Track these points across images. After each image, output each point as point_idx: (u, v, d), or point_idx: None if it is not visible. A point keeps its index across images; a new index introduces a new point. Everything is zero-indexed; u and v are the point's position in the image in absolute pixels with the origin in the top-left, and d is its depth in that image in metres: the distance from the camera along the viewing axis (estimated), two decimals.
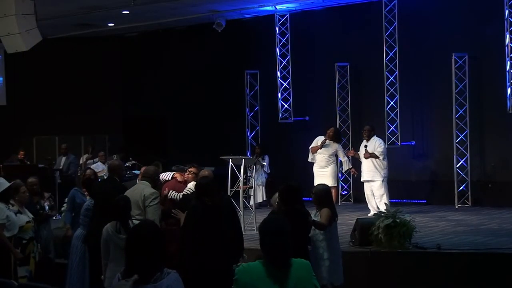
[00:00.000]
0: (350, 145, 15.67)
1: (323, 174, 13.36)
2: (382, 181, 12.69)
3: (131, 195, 7.58)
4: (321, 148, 13.29)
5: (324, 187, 7.98)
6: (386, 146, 13.29)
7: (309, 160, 13.54)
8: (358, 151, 13.10)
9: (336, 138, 13.43)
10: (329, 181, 13.23)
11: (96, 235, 7.86)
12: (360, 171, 13.05)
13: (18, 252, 7.90)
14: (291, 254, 4.06)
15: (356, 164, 14.47)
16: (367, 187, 12.91)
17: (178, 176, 9.31)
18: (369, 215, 12.24)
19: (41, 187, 9.82)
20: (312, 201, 7.78)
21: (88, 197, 9.16)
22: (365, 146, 12.78)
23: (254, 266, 4.05)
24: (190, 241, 6.86)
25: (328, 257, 7.43)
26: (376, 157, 12.64)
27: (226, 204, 7.40)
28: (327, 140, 13.26)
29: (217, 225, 6.86)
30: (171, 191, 8.93)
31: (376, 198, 12.74)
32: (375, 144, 12.76)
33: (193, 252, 6.78)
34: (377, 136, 12.97)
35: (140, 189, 7.82)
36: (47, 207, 9.56)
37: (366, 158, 12.71)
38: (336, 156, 13.59)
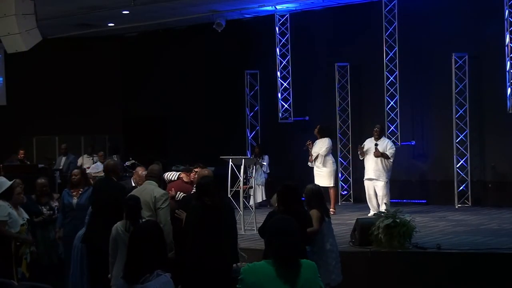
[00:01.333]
0: (350, 145, 15.68)
1: (320, 174, 13.42)
2: (386, 182, 12.69)
3: (141, 196, 7.46)
4: (311, 149, 13.46)
5: (313, 187, 7.96)
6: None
7: (308, 164, 13.68)
8: (361, 145, 13.07)
9: (322, 133, 13.60)
10: (326, 181, 13.27)
11: (93, 235, 7.83)
12: (364, 169, 13.01)
13: (28, 238, 7.90)
14: (300, 254, 4.05)
15: (357, 162, 14.50)
16: (369, 186, 12.85)
17: (184, 176, 9.23)
18: (369, 215, 12.24)
19: (50, 188, 9.81)
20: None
21: (74, 198, 9.12)
22: (376, 145, 12.74)
23: (260, 266, 4.01)
24: (190, 241, 6.86)
25: (320, 258, 7.43)
26: (387, 157, 12.62)
27: (226, 205, 7.38)
28: (314, 143, 13.44)
29: (217, 225, 6.85)
30: (179, 192, 8.87)
31: (379, 197, 12.73)
32: (387, 145, 12.73)
33: (193, 252, 6.78)
34: (385, 137, 13.04)
35: (149, 190, 7.63)
36: (56, 209, 9.55)
37: (376, 156, 12.66)
38: (332, 154, 13.68)
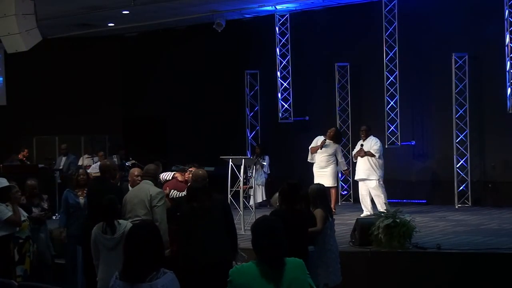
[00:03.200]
0: (350, 145, 15.68)
1: (323, 174, 13.38)
2: (378, 180, 12.68)
3: (136, 195, 7.53)
4: (321, 149, 13.36)
5: (318, 187, 7.95)
6: (386, 146, 13.28)
7: (308, 160, 13.60)
8: (353, 150, 13.10)
9: (336, 138, 13.51)
10: (329, 181, 13.26)
11: (89, 236, 7.86)
12: (355, 170, 13.04)
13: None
14: (285, 254, 4.05)
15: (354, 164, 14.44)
16: (362, 186, 12.87)
17: (178, 176, 9.35)
18: (361, 215, 12.24)
19: (39, 189, 9.80)
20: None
21: (81, 197, 9.12)
22: (361, 145, 12.81)
23: (248, 267, 4.04)
24: (182, 243, 6.91)
25: (319, 258, 7.42)
26: (372, 155, 12.65)
27: (217, 205, 7.27)
28: (327, 140, 13.34)
29: (208, 227, 6.83)
30: (172, 190, 8.94)
31: (374, 197, 12.72)
32: (371, 143, 12.79)
33: (186, 253, 6.83)
34: (373, 136, 13.01)
35: (145, 189, 7.66)
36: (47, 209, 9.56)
37: (362, 156, 12.73)
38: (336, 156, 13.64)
